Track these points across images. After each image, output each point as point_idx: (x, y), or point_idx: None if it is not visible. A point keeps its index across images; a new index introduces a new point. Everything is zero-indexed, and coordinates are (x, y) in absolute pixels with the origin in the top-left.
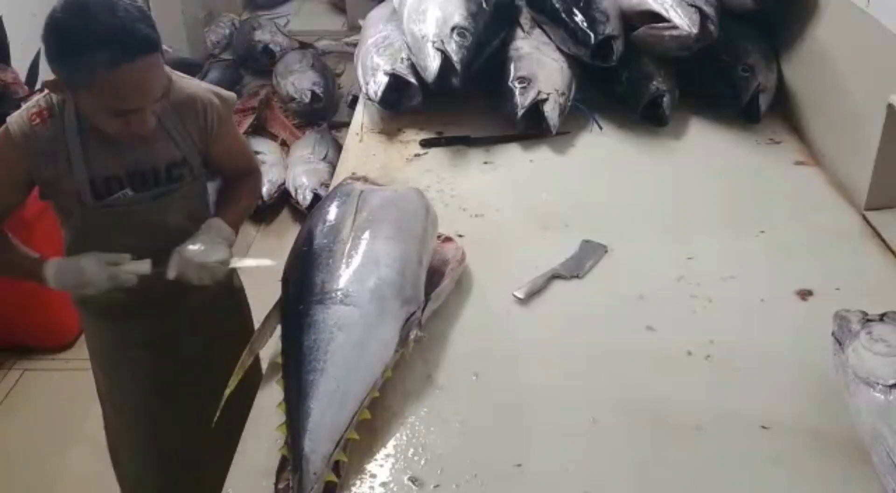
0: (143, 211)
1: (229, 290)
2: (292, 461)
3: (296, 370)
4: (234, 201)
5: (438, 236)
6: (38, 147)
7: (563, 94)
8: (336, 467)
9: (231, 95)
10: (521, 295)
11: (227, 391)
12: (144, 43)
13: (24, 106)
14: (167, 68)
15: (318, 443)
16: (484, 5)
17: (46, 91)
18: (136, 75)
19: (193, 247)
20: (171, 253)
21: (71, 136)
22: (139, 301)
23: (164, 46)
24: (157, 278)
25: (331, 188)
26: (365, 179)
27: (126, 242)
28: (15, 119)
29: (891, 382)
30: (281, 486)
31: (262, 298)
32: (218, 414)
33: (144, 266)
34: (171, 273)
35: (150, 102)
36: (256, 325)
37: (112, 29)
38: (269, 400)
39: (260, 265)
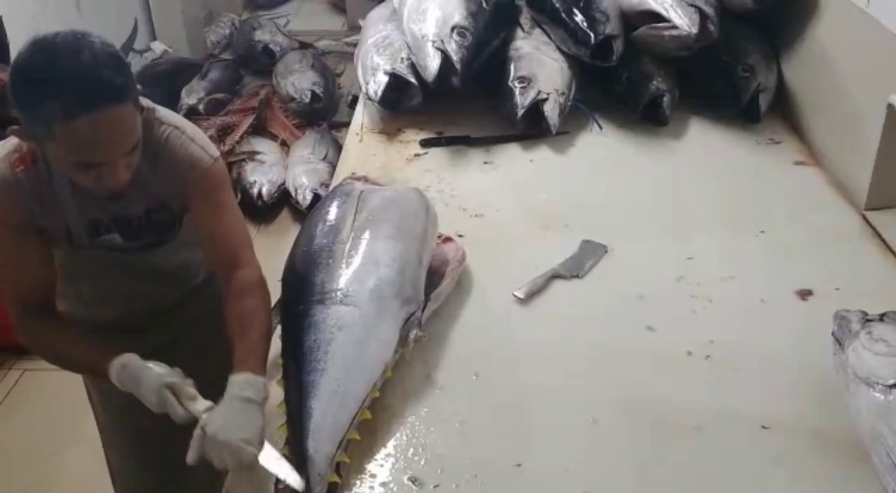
0: (135, 259)
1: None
2: (296, 462)
3: (296, 370)
4: (247, 336)
5: (439, 236)
6: (28, 195)
7: (563, 94)
8: (338, 467)
9: (213, 149)
10: (521, 295)
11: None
12: (107, 92)
13: (4, 150)
14: (159, 112)
15: (322, 444)
16: (484, 5)
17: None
18: (99, 127)
19: (217, 422)
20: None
21: (58, 178)
22: (131, 319)
23: (164, 46)
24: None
25: (331, 188)
26: (365, 179)
27: (119, 283)
28: None
29: (891, 382)
30: (281, 486)
31: None
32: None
33: (199, 408)
34: (191, 457)
35: (118, 156)
36: None
37: (71, 75)
38: (270, 400)
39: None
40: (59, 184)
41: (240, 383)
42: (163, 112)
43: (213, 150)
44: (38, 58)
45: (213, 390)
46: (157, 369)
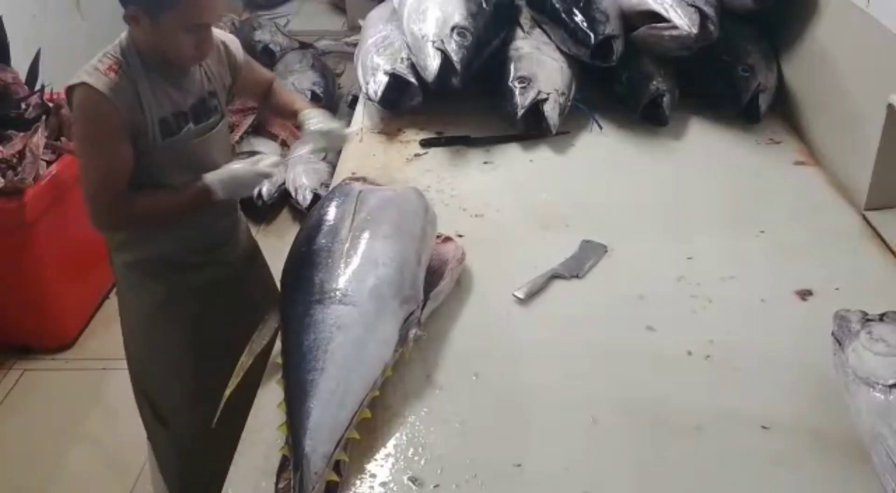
0: (196, 148)
1: (252, 249)
2: (293, 460)
3: (296, 370)
4: (292, 96)
5: (438, 236)
6: (122, 96)
7: (563, 94)
8: (337, 466)
9: (231, 37)
10: (521, 295)
11: (227, 392)
12: None
13: (91, 65)
14: None
15: (319, 442)
16: (484, 5)
17: (107, 50)
18: None
19: (316, 121)
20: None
21: (140, 80)
22: (195, 250)
23: None
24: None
25: (330, 188)
26: (364, 180)
27: (181, 180)
28: (94, 77)
29: (891, 382)
30: (281, 485)
31: None
32: (217, 416)
33: (274, 158)
34: (306, 139)
35: (218, 18)
36: None
37: None
38: (270, 400)
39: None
40: (141, 85)
41: (313, 112)
42: None
43: (227, 34)
44: None
45: (257, 310)
46: (237, 164)
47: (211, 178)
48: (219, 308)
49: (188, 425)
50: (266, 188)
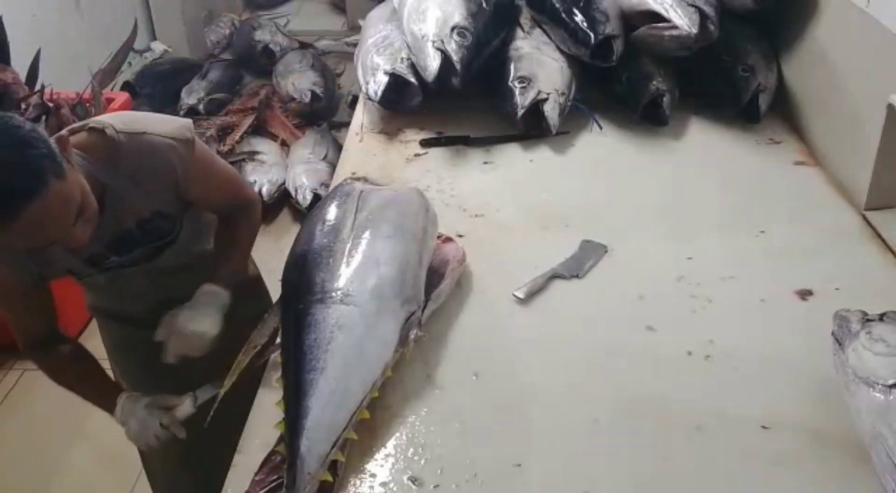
0: (145, 269)
1: (245, 281)
2: (287, 459)
3: (295, 369)
4: (230, 245)
5: (439, 236)
6: (20, 256)
7: (563, 94)
8: (333, 466)
9: (185, 132)
10: (521, 295)
11: (223, 390)
12: (26, 192)
13: None
14: (116, 125)
15: (315, 443)
16: (484, 5)
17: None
18: (31, 224)
19: (181, 314)
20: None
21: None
22: (158, 313)
23: (164, 46)
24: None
25: (331, 188)
26: (365, 180)
27: (138, 286)
28: None
29: (891, 382)
30: (258, 478)
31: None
32: (212, 415)
33: (185, 408)
34: (158, 336)
35: (65, 228)
36: None
37: None
38: (270, 399)
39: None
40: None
41: (208, 288)
42: (125, 123)
43: (176, 129)
44: None
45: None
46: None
47: (121, 404)
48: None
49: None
50: (266, 188)
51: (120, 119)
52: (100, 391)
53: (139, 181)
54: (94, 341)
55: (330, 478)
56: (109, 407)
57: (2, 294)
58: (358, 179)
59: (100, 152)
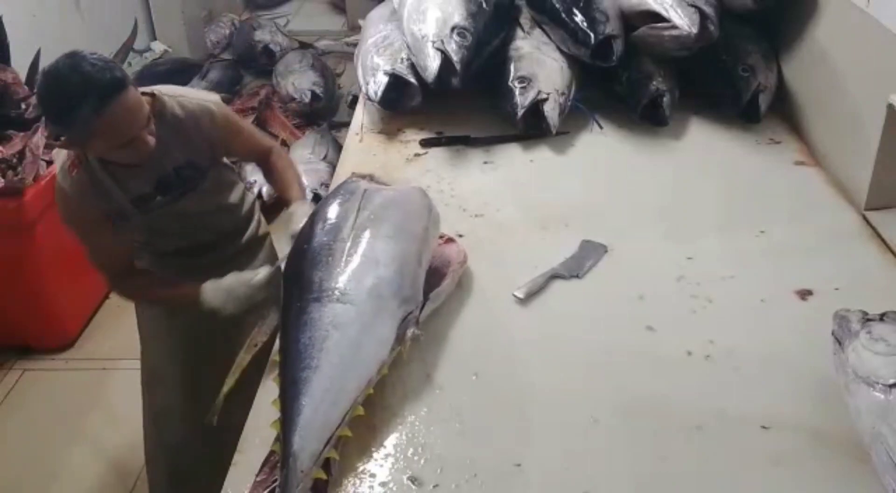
0: (179, 208)
1: (257, 239)
2: (281, 457)
3: (291, 367)
4: (287, 180)
5: (441, 237)
6: (88, 190)
7: (563, 94)
8: (327, 464)
9: (214, 97)
10: (521, 295)
11: (225, 389)
12: (113, 85)
13: (57, 166)
14: (160, 90)
15: (309, 441)
16: (484, 5)
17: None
18: (120, 113)
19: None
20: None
21: (100, 172)
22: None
23: (164, 46)
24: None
25: (334, 187)
26: (370, 178)
27: (176, 233)
28: (62, 177)
29: (891, 381)
30: (259, 478)
31: None
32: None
33: (262, 273)
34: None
35: (141, 129)
36: None
37: (84, 85)
38: (269, 398)
39: None
40: (102, 175)
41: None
42: (166, 89)
43: (212, 96)
44: (55, 82)
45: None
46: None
47: (207, 287)
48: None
49: (178, 426)
50: (266, 188)
51: (162, 88)
52: (184, 290)
53: (179, 131)
54: (94, 342)
55: (324, 476)
56: (195, 300)
57: (94, 229)
58: (363, 176)
59: (150, 107)
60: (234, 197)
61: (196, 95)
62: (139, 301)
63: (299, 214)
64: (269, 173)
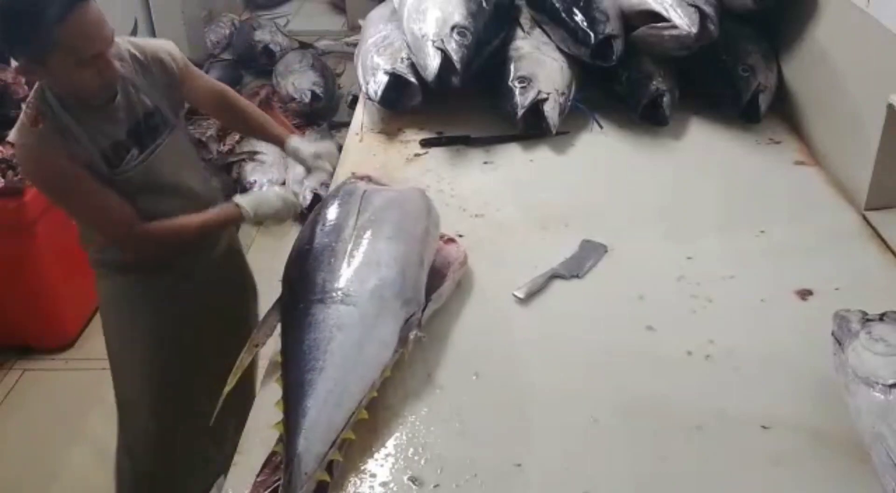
0: (150, 170)
1: (231, 250)
2: (285, 459)
3: (294, 369)
4: (260, 116)
5: (441, 237)
6: (57, 141)
7: (563, 93)
8: (330, 466)
9: (171, 43)
10: (521, 295)
11: (227, 389)
12: None
13: (20, 121)
14: (119, 37)
15: (313, 442)
16: (484, 5)
17: (28, 98)
18: (86, 20)
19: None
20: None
21: (68, 121)
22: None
23: None
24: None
25: (334, 187)
26: (369, 179)
27: (144, 202)
28: (24, 135)
29: (891, 382)
30: (260, 479)
31: (264, 295)
32: (217, 411)
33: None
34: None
35: (107, 44)
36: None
37: None
38: (270, 399)
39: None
40: (71, 125)
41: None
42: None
43: (164, 41)
44: None
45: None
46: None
47: (239, 199)
48: (188, 305)
49: (144, 428)
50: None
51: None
52: (216, 214)
53: (144, 72)
54: (94, 342)
55: (327, 478)
56: (234, 215)
57: (80, 180)
58: (362, 177)
59: (115, 54)
60: (198, 169)
61: (149, 40)
62: (171, 246)
63: (303, 146)
64: (233, 112)
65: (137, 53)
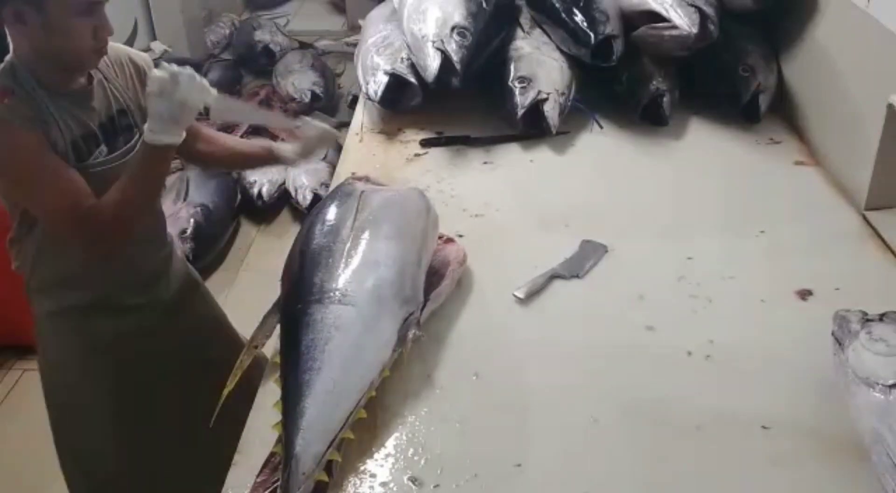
0: (115, 173)
1: (189, 283)
2: (283, 459)
3: (293, 369)
4: (230, 140)
5: (440, 237)
6: (27, 117)
7: (563, 94)
8: (329, 466)
9: (140, 53)
10: (521, 295)
11: (226, 390)
12: None
13: None
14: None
15: (311, 443)
16: (484, 5)
17: None
18: None
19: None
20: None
21: (41, 99)
22: (129, 288)
23: (164, 46)
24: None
25: (333, 188)
26: (367, 179)
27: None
28: None
29: (891, 382)
30: (260, 479)
31: (264, 295)
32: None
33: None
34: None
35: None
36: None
37: None
38: (269, 400)
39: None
40: (43, 102)
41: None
42: None
43: (138, 52)
44: None
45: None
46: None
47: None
48: (147, 356)
49: (115, 472)
50: (266, 188)
51: None
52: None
53: (120, 71)
54: None
55: (326, 478)
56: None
57: (45, 155)
58: (360, 178)
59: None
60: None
61: (129, 48)
62: (137, 212)
63: (285, 147)
64: (206, 142)
65: (119, 52)
